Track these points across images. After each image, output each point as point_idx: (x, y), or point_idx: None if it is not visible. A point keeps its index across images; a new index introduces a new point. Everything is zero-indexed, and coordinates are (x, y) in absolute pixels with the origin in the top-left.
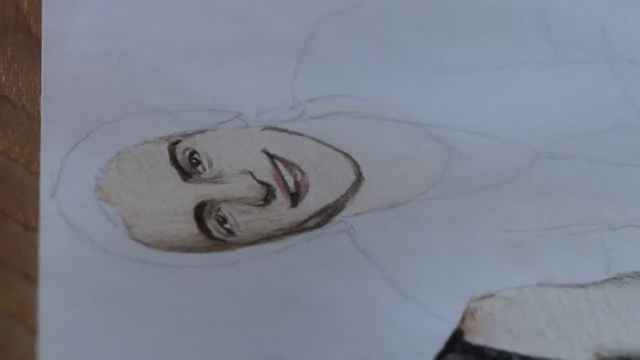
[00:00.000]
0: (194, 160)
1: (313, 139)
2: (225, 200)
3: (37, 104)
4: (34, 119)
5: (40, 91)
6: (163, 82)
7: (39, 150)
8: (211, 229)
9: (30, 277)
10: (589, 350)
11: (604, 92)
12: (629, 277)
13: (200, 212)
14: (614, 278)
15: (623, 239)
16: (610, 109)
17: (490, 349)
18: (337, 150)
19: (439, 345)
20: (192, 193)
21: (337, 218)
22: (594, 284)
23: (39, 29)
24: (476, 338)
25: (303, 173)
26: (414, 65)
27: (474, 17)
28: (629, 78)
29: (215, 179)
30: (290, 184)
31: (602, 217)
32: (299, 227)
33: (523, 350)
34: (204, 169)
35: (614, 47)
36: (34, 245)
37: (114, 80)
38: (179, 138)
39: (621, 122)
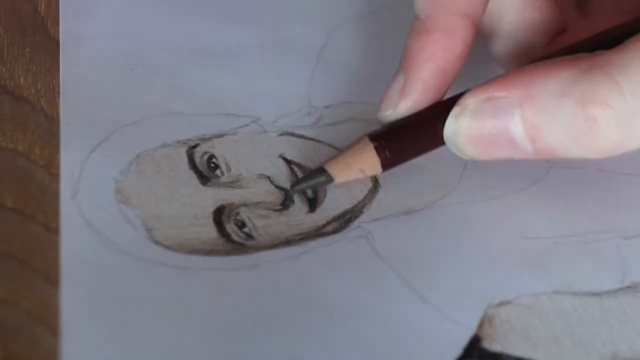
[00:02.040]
0: (212, 164)
1: (330, 145)
2: (243, 205)
3: (56, 106)
4: (53, 121)
5: (58, 93)
6: (181, 85)
7: (58, 152)
8: (230, 233)
9: (51, 278)
10: (605, 358)
11: None
12: None
13: (219, 215)
14: (628, 287)
15: (638, 247)
16: None
17: (508, 356)
18: None
19: (457, 351)
20: (211, 197)
21: (355, 224)
22: (609, 292)
23: (57, 31)
24: (494, 345)
25: None
26: None
27: None
28: None
29: (234, 183)
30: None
31: (616, 226)
32: (317, 232)
33: (540, 357)
34: (222, 173)
35: None
36: (54, 247)
37: (131, 83)
38: (197, 142)
39: None
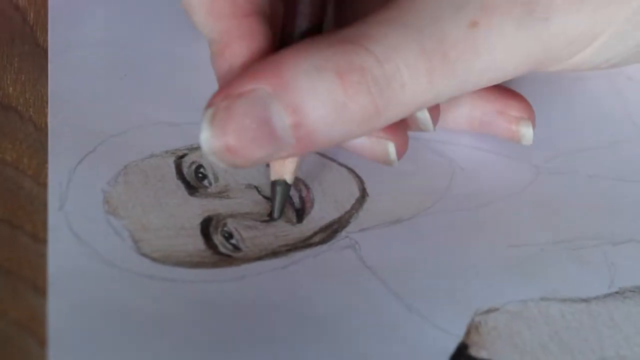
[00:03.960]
0: (200, 174)
1: (317, 153)
2: (231, 215)
3: (44, 115)
4: (42, 130)
5: (47, 103)
6: (170, 94)
7: (46, 162)
8: (217, 244)
9: (39, 288)
10: None
11: (604, 108)
12: (631, 291)
13: (207, 226)
14: (616, 292)
15: (625, 253)
16: (611, 124)
17: None
18: (341, 165)
19: (444, 359)
20: (198, 207)
21: (342, 234)
22: (597, 298)
23: (46, 41)
24: (481, 352)
25: (308, 188)
26: None
27: None
28: (628, 94)
29: (221, 194)
30: (295, 199)
31: (604, 231)
32: (305, 243)
33: None
34: (210, 183)
35: None
36: (42, 257)
37: (120, 92)
38: (185, 152)
39: (622, 138)
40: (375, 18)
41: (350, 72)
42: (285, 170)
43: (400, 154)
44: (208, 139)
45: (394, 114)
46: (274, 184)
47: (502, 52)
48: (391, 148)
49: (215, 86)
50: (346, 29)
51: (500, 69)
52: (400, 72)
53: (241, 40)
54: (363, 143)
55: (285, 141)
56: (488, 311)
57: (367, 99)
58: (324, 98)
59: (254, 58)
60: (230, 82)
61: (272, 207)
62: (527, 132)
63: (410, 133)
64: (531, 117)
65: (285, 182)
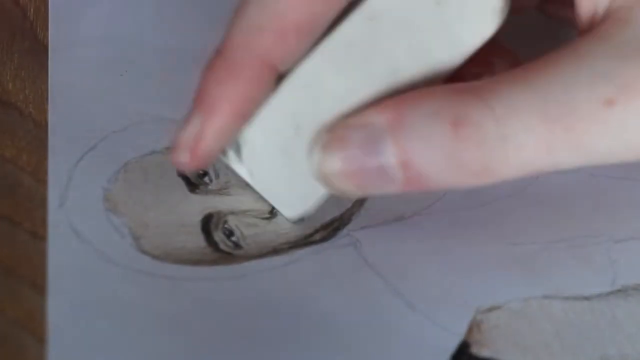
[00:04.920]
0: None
1: None
2: (232, 213)
3: (44, 112)
4: (41, 127)
5: (47, 99)
6: (170, 91)
7: (46, 159)
8: (218, 242)
9: (38, 285)
10: None
11: None
12: (633, 289)
13: (207, 224)
14: (618, 290)
15: (628, 251)
16: None
17: None
18: None
19: (446, 357)
20: (198, 204)
21: (344, 232)
22: (599, 296)
23: (46, 37)
24: (483, 350)
25: None
26: None
27: None
28: None
29: (222, 191)
30: None
31: (606, 230)
32: (306, 241)
33: None
34: (211, 180)
35: None
36: (42, 254)
37: (120, 88)
38: None
39: None
40: (503, 75)
41: (464, 125)
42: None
43: None
44: (325, 166)
45: (507, 174)
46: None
47: (636, 134)
48: None
49: None
50: (475, 82)
51: (632, 150)
52: (516, 135)
53: (244, 79)
54: None
55: (395, 178)
56: (490, 309)
57: (478, 155)
58: (434, 145)
59: (242, 98)
60: (353, 115)
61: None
62: None
63: None
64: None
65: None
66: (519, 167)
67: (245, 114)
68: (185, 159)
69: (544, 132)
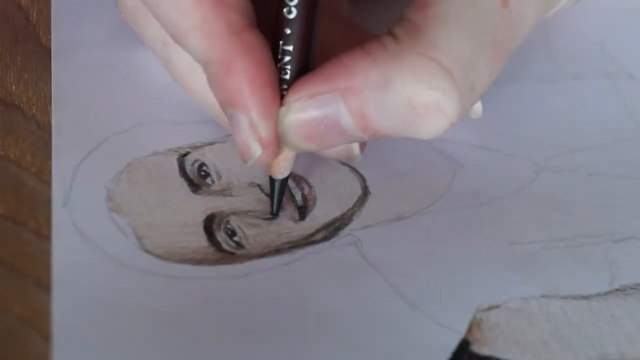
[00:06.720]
0: (202, 173)
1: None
2: (234, 213)
3: (47, 114)
4: (45, 129)
5: (50, 101)
6: (172, 93)
7: (49, 160)
8: (220, 242)
9: (42, 284)
10: None
11: (605, 106)
12: (632, 288)
13: (210, 224)
14: (617, 289)
15: (626, 251)
16: (611, 123)
17: None
18: (343, 163)
19: (446, 356)
20: (201, 205)
21: (345, 231)
22: (598, 295)
23: (49, 40)
24: (483, 349)
25: (310, 186)
26: None
27: None
28: (629, 93)
29: (224, 192)
30: (298, 197)
31: (605, 229)
32: (307, 240)
33: None
34: (213, 181)
35: (614, 62)
36: (46, 253)
37: (123, 90)
38: (188, 150)
39: (622, 136)
40: (428, 18)
41: (418, 92)
42: (279, 166)
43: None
44: (285, 131)
45: (464, 114)
46: (271, 179)
47: (531, 19)
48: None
49: None
50: (408, 35)
51: (527, 34)
52: (470, 78)
53: (244, 56)
54: None
55: (357, 136)
56: (489, 308)
57: (439, 118)
58: (390, 113)
59: (261, 70)
60: (304, 81)
61: (271, 202)
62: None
63: None
64: None
65: (281, 178)
66: (472, 103)
67: (269, 79)
68: (261, 154)
69: (485, 60)
